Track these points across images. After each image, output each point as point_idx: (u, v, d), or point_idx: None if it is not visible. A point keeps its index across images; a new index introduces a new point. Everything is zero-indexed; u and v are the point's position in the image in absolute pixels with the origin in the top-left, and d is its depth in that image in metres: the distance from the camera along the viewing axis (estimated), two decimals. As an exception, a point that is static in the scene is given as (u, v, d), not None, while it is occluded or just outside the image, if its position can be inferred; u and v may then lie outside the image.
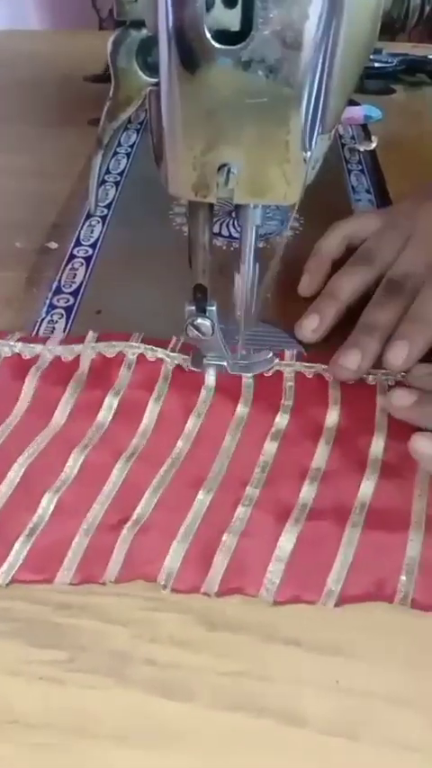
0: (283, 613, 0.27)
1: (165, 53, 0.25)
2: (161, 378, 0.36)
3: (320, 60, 0.25)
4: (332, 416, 0.34)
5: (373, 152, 0.60)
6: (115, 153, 0.58)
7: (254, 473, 0.31)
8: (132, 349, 0.37)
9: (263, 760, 0.23)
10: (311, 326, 0.38)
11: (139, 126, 0.62)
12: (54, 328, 0.39)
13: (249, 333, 0.36)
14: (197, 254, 0.31)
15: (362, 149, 0.60)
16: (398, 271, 0.38)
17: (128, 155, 0.58)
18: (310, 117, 0.26)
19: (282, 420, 0.34)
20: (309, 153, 0.27)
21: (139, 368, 0.36)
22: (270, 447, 0.33)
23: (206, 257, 0.31)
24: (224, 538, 0.29)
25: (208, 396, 0.35)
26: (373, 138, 0.60)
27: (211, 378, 0.36)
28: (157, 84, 0.27)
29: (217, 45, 0.24)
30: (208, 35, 0.24)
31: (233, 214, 0.50)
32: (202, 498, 0.30)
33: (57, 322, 0.39)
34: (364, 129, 0.63)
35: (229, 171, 0.27)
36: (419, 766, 0.23)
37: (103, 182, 0.54)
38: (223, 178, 0.27)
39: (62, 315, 0.40)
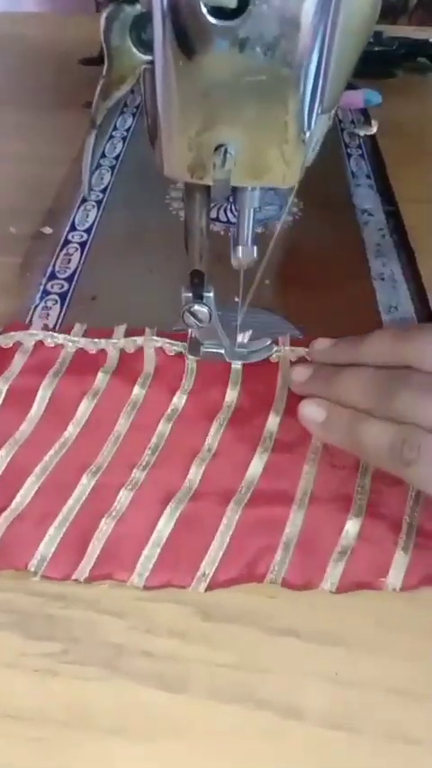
0: (281, 603, 0.26)
1: (159, 30, 0.24)
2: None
3: (320, 38, 0.24)
4: (230, 396, 0.34)
5: (372, 137, 0.59)
6: (111, 137, 0.57)
7: (143, 455, 0.31)
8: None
9: (260, 753, 0.23)
10: (301, 380, 0.34)
11: (135, 110, 0.61)
12: (48, 314, 0.38)
13: (247, 320, 0.35)
14: (194, 239, 0.30)
15: (362, 134, 0.59)
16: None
17: (123, 139, 0.57)
18: (309, 96, 0.25)
19: (179, 401, 0.34)
20: (308, 133, 0.26)
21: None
22: (163, 428, 0.33)
23: (203, 242, 0.31)
24: (101, 523, 0.28)
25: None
26: (372, 122, 0.59)
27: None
28: (152, 62, 0.26)
29: (213, 21, 0.23)
30: (204, 11, 0.23)
31: (231, 198, 0.49)
32: (86, 483, 0.30)
33: (51, 308, 0.39)
34: (364, 114, 0.62)
35: (225, 151, 0.26)
36: (421, 760, 0.23)
37: (99, 166, 0.53)
38: (220, 159, 0.26)
39: (56, 301, 0.39)
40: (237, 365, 0.35)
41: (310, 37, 0.24)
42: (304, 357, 0.36)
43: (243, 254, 0.31)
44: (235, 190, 0.29)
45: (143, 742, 0.23)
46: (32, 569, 0.27)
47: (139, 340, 0.36)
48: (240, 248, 0.31)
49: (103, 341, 0.36)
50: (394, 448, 0.27)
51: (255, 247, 0.31)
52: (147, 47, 0.26)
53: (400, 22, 1.03)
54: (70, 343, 0.36)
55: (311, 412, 0.31)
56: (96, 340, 0.36)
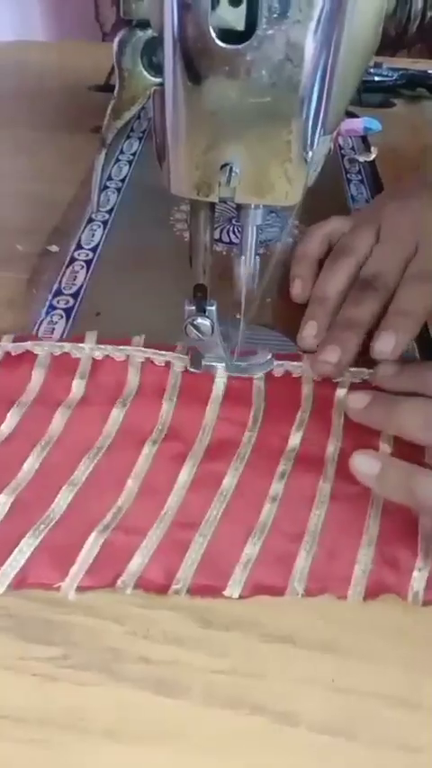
0: (277, 610, 0.27)
1: (169, 52, 0.26)
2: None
3: (323, 61, 0.25)
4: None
5: (372, 163, 0.60)
6: (117, 160, 0.58)
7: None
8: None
9: (256, 758, 0.23)
10: (312, 333, 0.38)
11: (141, 134, 0.62)
12: (54, 329, 0.39)
13: (248, 336, 0.36)
14: (198, 254, 0.31)
15: (362, 160, 0.60)
16: (369, 270, 0.39)
17: (130, 162, 0.58)
18: (311, 117, 0.26)
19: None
20: (310, 153, 0.27)
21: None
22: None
23: (207, 257, 0.31)
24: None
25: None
26: (372, 149, 0.61)
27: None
28: (162, 84, 0.27)
29: (221, 44, 0.24)
30: (212, 34, 0.24)
31: (234, 221, 0.50)
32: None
33: (56, 323, 0.39)
34: (364, 141, 0.64)
35: (231, 170, 0.27)
36: (418, 767, 0.23)
37: (105, 187, 0.54)
38: (225, 177, 0.27)
39: (62, 316, 0.40)
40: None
41: (313, 60, 0.25)
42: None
43: (245, 271, 0.32)
44: (239, 208, 0.30)
45: (141, 746, 0.23)
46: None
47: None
48: (243, 265, 0.32)
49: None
50: None
51: (257, 263, 0.32)
52: (157, 69, 0.27)
53: (399, 56, 1.06)
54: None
55: (365, 465, 0.30)
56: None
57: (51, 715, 0.24)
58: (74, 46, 0.89)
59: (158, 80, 0.27)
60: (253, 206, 0.30)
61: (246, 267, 0.32)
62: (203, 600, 0.27)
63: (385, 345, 0.35)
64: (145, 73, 0.27)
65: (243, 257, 0.32)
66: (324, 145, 0.28)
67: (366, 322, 0.37)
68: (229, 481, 0.31)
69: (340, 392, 0.36)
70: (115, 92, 0.28)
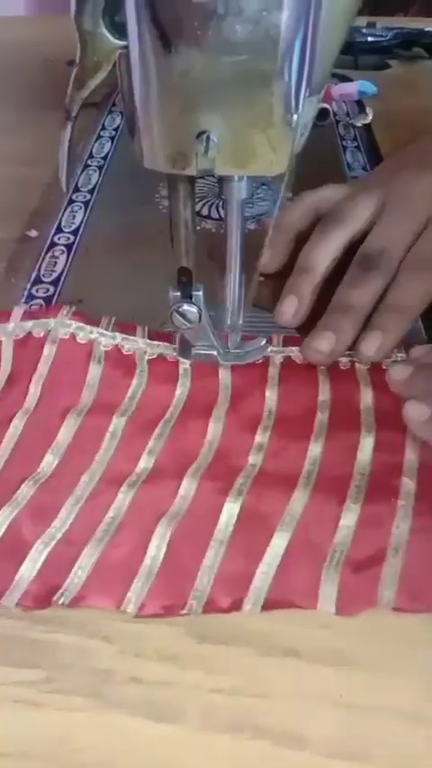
0: (279, 622, 0.24)
1: (132, 11, 0.23)
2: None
3: (304, 11, 0.22)
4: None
5: (368, 128, 0.57)
6: (99, 137, 0.55)
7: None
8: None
9: (261, 787, 0.21)
10: (291, 310, 0.35)
11: (122, 103, 0.59)
12: (33, 319, 0.37)
13: (244, 319, 0.34)
14: (179, 233, 0.29)
15: (358, 124, 0.57)
16: (373, 245, 0.36)
17: (112, 138, 0.55)
18: (295, 76, 0.24)
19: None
20: (295, 116, 0.25)
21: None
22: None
23: (189, 236, 0.29)
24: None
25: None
26: (368, 110, 0.58)
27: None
28: (127, 47, 0.24)
29: (190, -3, 0.22)
30: (179, -14, 0.22)
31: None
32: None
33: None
34: (359, 105, 0.61)
35: (208, 138, 0.25)
36: (434, 790, 0.21)
37: (87, 166, 0.51)
38: (202, 147, 0.25)
39: (41, 305, 0.38)
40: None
41: (293, 11, 0.22)
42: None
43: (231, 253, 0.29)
44: (221, 181, 0.28)
45: (133, 777, 0.21)
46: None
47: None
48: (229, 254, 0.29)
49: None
50: None
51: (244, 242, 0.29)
52: (121, 31, 0.24)
53: (397, 16, 1.02)
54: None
55: (415, 411, 0.29)
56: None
57: (35, 746, 0.22)
58: (50, 19, 0.85)
59: (123, 42, 0.24)
60: (236, 178, 0.27)
61: (232, 246, 0.29)
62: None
63: (369, 349, 0.33)
64: (108, 35, 0.25)
65: (228, 236, 0.29)
66: (310, 107, 0.26)
67: (366, 307, 0.34)
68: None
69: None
70: (77, 58, 0.25)
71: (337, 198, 0.39)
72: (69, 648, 0.24)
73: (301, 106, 0.25)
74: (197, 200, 0.45)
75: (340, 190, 0.40)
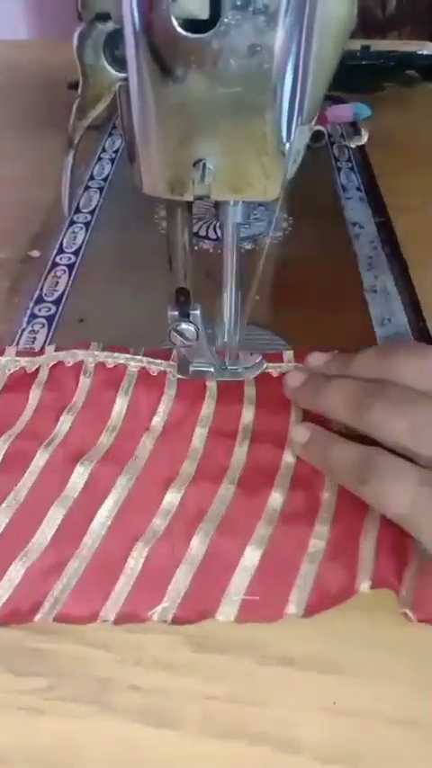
0: (275, 631, 0.25)
1: (131, 46, 0.24)
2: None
3: (295, 45, 0.23)
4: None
5: (362, 149, 0.59)
6: (99, 159, 0.57)
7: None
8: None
9: (256, 791, 0.22)
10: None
11: (122, 132, 0.61)
12: (35, 338, 0.38)
13: (237, 335, 0.35)
14: (177, 256, 0.30)
15: (352, 145, 0.59)
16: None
17: (112, 160, 0.56)
18: (287, 106, 0.25)
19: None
20: (288, 144, 0.26)
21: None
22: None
23: (186, 259, 0.30)
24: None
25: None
26: (363, 131, 0.59)
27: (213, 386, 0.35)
28: (127, 79, 0.25)
29: (185, 33, 0.23)
30: (175, 24, 0.23)
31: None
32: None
33: (38, 332, 0.38)
34: (354, 127, 0.62)
35: (204, 166, 0.26)
36: (425, 794, 0.22)
37: (87, 188, 0.53)
38: (199, 174, 0.26)
39: (44, 324, 0.39)
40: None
41: (284, 45, 0.23)
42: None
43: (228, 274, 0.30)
44: (217, 205, 0.29)
45: (133, 782, 0.22)
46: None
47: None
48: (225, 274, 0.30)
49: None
50: (354, 467, 0.27)
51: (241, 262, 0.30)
52: (121, 64, 0.25)
53: (389, 38, 1.04)
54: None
55: (297, 433, 0.31)
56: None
57: (37, 751, 0.22)
58: (52, 43, 0.87)
59: (123, 75, 0.25)
60: (231, 203, 0.28)
61: (228, 268, 0.30)
62: (196, 623, 0.25)
63: (293, 381, 0.33)
64: (108, 68, 0.26)
65: (224, 258, 0.30)
66: (302, 135, 0.27)
67: None
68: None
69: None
70: (79, 89, 0.27)
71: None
72: (69, 657, 0.25)
73: (293, 135, 0.26)
74: (195, 220, 0.47)
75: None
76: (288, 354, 0.36)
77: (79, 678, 0.24)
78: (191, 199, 0.27)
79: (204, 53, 0.23)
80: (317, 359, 0.34)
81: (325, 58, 0.26)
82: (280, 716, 0.23)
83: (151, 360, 0.36)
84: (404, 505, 0.25)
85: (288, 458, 0.31)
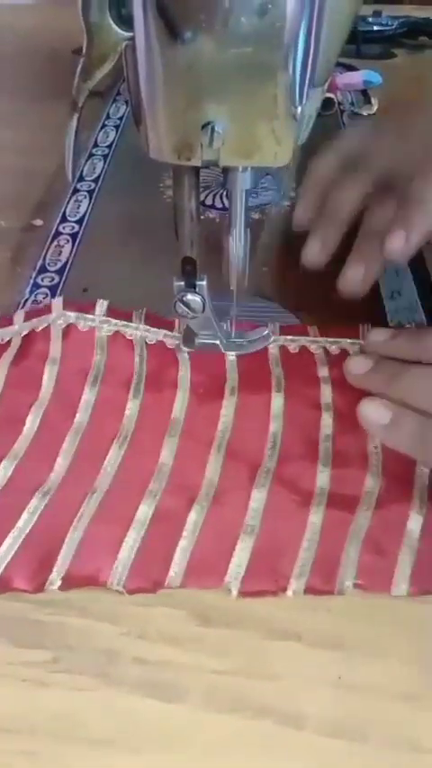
0: (281, 606, 0.25)
1: (139, 4, 0.23)
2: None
3: (309, 4, 0.23)
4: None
5: (373, 118, 0.57)
6: (103, 125, 0.55)
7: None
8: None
9: (261, 764, 0.22)
10: (315, 251, 0.36)
11: (128, 94, 0.59)
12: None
13: (245, 308, 0.34)
14: (184, 224, 0.29)
15: (363, 113, 0.57)
16: (390, 174, 0.36)
17: (116, 127, 0.55)
18: (299, 68, 0.24)
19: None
20: (299, 108, 0.25)
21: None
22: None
23: (193, 227, 0.29)
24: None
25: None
26: (373, 100, 0.58)
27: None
28: (133, 39, 0.24)
29: (195, -10, 0.22)
30: (185, -20, 0.22)
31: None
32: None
33: (41, 302, 0.37)
34: (364, 95, 0.61)
35: (213, 129, 0.25)
36: (431, 769, 0.21)
37: (91, 155, 0.52)
38: (207, 138, 0.25)
39: (47, 294, 0.38)
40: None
41: (297, 4, 0.22)
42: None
43: (234, 242, 0.29)
44: (225, 171, 0.28)
45: (137, 754, 0.22)
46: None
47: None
48: (232, 236, 0.29)
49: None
50: None
51: (248, 232, 0.30)
52: (127, 23, 0.24)
53: (403, 2, 1.01)
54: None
55: (374, 413, 0.29)
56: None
57: (42, 724, 0.22)
58: (56, 8, 0.85)
59: (129, 34, 0.25)
60: (240, 169, 0.28)
61: (235, 236, 0.29)
62: (202, 596, 0.25)
63: (394, 244, 0.33)
64: (114, 27, 0.25)
65: (232, 226, 0.29)
66: (314, 99, 0.26)
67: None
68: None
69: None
70: (83, 50, 0.26)
71: (357, 143, 0.39)
72: (75, 630, 0.25)
73: (305, 98, 0.25)
74: (201, 189, 0.46)
75: (357, 135, 0.41)
76: (313, 329, 0.35)
77: (84, 651, 0.24)
78: (198, 164, 0.26)
79: (214, 11, 0.22)
80: (378, 335, 0.32)
81: (338, 19, 0.25)
82: (284, 690, 0.23)
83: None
84: None
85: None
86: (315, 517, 0.27)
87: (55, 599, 0.25)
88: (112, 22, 0.25)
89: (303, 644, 0.24)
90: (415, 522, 0.27)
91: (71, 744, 0.22)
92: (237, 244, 0.30)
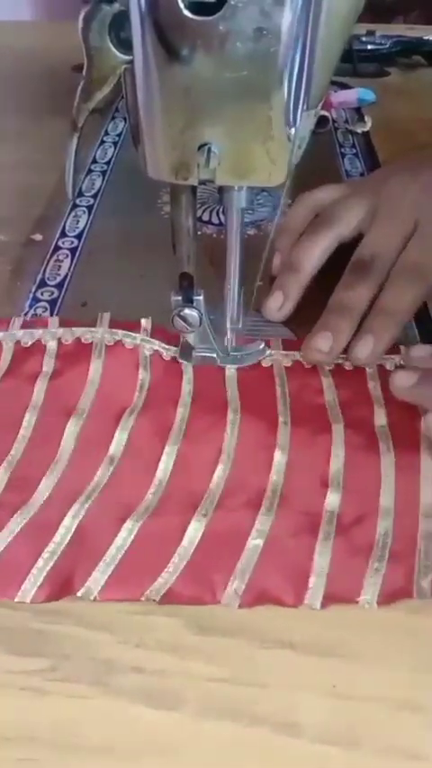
0: (275, 615, 0.25)
1: (137, 28, 0.24)
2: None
3: (302, 29, 0.23)
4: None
5: (367, 135, 0.58)
6: (102, 142, 0.56)
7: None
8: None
9: (256, 771, 0.22)
10: (277, 305, 0.37)
11: (126, 115, 0.60)
12: (38, 323, 0.38)
13: (240, 322, 0.35)
14: (181, 241, 0.30)
15: (357, 131, 0.58)
16: (365, 251, 0.37)
17: (115, 143, 0.56)
18: (293, 91, 0.25)
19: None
20: (293, 130, 0.26)
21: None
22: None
23: (190, 243, 0.30)
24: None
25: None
26: (366, 118, 0.59)
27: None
28: (132, 62, 0.25)
29: (192, 16, 0.23)
30: (182, 6, 0.23)
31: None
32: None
33: (40, 316, 0.38)
34: (358, 112, 0.62)
35: (209, 150, 0.26)
36: (423, 776, 0.22)
37: (90, 171, 0.52)
38: (204, 158, 0.26)
39: (46, 308, 0.39)
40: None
41: (291, 29, 0.23)
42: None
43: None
44: (221, 190, 0.29)
45: (134, 762, 0.22)
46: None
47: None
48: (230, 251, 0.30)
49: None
50: None
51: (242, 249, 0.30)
52: (126, 46, 0.25)
53: (395, 23, 1.03)
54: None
55: (403, 378, 0.31)
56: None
57: (40, 732, 0.23)
58: (56, 26, 0.86)
59: (128, 57, 0.25)
60: (236, 188, 0.28)
61: (232, 253, 0.30)
62: (198, 606, 0.26)
63: (361, 352, 0.34)
64: (114, 50, 0.26)
65: (228, 243, 0.30)
66: (308, 120, 0.27)
67: (361, 309, 0.35)
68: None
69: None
70: (84, 71, 0.26)
71: (333, 199, 0.40)
72: (73, 639, 0.25)
73: (298, 120, 0.26)
74: (198, 205, 0.46)
75: (336, 190, 0.41)
76: (324, 341, 0.35)
77: (82, 659, 0.24)
78: (195, 183, 0.27)
79: (211, 36, 0.23)
80: (421, 350, 0.33)
81: (332, 42, 0.26)
82: (280, 699, 0.23)
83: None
84: None
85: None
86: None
87: (52, 608, 0.26)
88: (111, 45, 0.26)
89: (297, 652, 0.24)
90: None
91: (70, 752, 0.22)
92: (233, 262, 0.30)
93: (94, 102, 0.27)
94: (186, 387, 0.34)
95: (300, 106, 0.25)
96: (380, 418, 0.32)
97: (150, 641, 0.25)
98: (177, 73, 0.24)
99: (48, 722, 0.23)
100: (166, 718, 0.23)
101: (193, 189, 0.28)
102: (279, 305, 0.37)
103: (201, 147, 0.26)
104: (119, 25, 0.25)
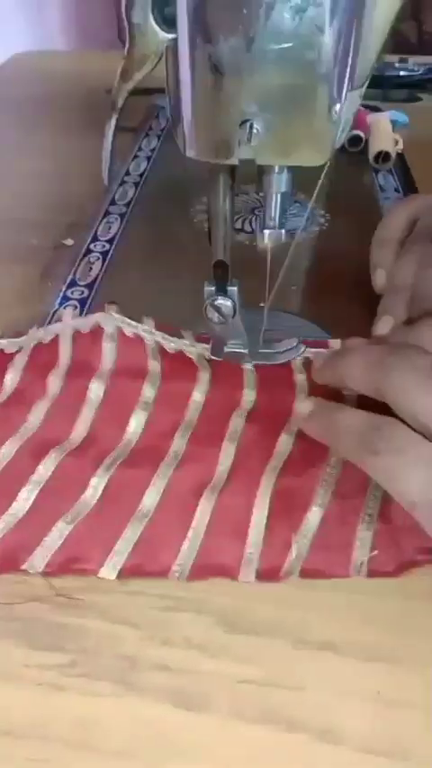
0: (315, 613, 0.24)
1: (183, 3, 0.23)
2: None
3: (347, 4, 0.23)
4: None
5: (400, 154, 0.58)
6: (135, 156, 0.56)
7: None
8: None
9: (292, 782, 0.20)
10: (386, 329, 0.34)
11: (160, 132, 0.61)
12: (67, 320, 0.37)
13: (275, 324, 0.33)
14: (218, 227, 0.29)
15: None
16: None
17: (148, 158, 0.56)
18: (339, 67, 0.24)
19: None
20: (338, 107, 0.25)
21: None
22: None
23: (228, 230, 0.29)
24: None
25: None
26: (398, 138, 0.58)
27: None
28: (175, 40, 0.25)
29: (239, -14, 0.22)
30: (229, -24, 0.22)
31: (256, 211, 0.48)
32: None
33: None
34: (391, 134, 0.61)
35: (251, 127, 0.25)
36: None
37: (123, 182, 0.52)
38: (245, 135, 0.25)
39: (76, 306, 0.38)
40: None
41: (337, 1, 0.22)
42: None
43: (269, 238, 0.29)
44: (261, 173, 0.28)
45: (157, 767, 0.20)
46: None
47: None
48: (266, 232, 0.29)
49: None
50: (365, 435, 0.24)
51: (283, 231, 0.29)
52: (170, 24, 0.25)
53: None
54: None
55: (301, 407, 0.30)
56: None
57: (56, 729, 0.21)
58: (92, 53, 0.88)
59: (172, 35, 0.25)
60: (276, 169, 0.27)
61: (269, 234, 0.29)
62: (230, 601, 0.24)
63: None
64: (157, 28, 0.25)
65: (265, 230, 0.29)
66: (352, 102, 0.26)
67: None
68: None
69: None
70: (125, 51, 0.26)
71: (428, 206, 0.38)
72: (95, 633, 0.23)
73: (343, 99, 0.25)
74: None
75: (429, 199, 0.39)
76: (334, 342, 0.34)
77: (104, 655, 0.23)
78: (236, 162, 0.26)
79: (257, 7, 0.23)
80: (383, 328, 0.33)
81: (377, 23, 0.25)
82: (318, 703, 0.21)
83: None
84: (416, 492, 0.23)
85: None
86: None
87: (75, 601, 0.24)
88: (154, 22, 0.25)
89: (339, 655, 0.23)
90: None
91: (85, 753, 0.21)
92: (270, 240, 0.29)
93: (133, 83, 0.26)
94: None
95: (345, 84, 0.25)
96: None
97: (177, 638, 0.23)
98: (222, 47, 0.24)
99: (63, 720, 0.21)
100: (193, 720, 0.21)
101: (232, 171, 0.28)
102: (389, 329, 0.34)
103: (242, 123, 0.25)
104: (163, 2, 0.25)
